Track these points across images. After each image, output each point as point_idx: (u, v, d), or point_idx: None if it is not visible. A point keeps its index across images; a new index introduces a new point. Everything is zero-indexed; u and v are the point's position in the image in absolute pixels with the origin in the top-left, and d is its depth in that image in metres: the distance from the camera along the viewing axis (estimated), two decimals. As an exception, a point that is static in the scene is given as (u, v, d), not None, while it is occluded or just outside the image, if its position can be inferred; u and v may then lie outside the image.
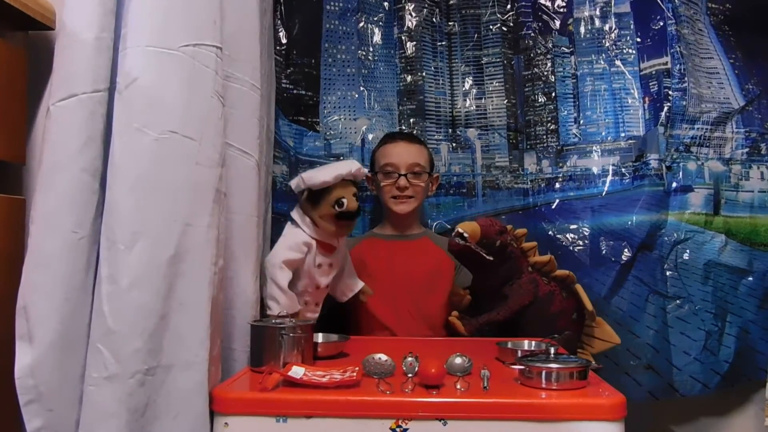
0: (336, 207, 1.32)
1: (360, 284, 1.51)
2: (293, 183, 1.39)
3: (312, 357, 1.13)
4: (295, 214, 1.39)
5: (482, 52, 1.97)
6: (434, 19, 1.97)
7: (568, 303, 1.52)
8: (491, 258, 1.48)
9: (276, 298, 1.29)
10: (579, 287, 1.52)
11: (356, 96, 1.91)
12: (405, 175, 1.64)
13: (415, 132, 1.90)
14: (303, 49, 1.88)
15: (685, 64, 1.82)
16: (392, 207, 1.66)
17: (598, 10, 1.91)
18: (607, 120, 1.88)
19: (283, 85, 1.82)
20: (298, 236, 1.36)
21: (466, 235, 1.46)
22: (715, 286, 1.75)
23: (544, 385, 0.97)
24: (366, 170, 1.45)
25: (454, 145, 1.94)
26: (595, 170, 1.86)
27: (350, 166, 1.37)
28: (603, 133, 1.88)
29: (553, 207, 1.85)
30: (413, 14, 1.95)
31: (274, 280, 1.30)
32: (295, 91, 1.86)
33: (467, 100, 1.96)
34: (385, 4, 1.95)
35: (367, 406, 0.93)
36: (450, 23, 1.98)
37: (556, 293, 1.52)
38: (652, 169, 1.79)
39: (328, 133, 1.88)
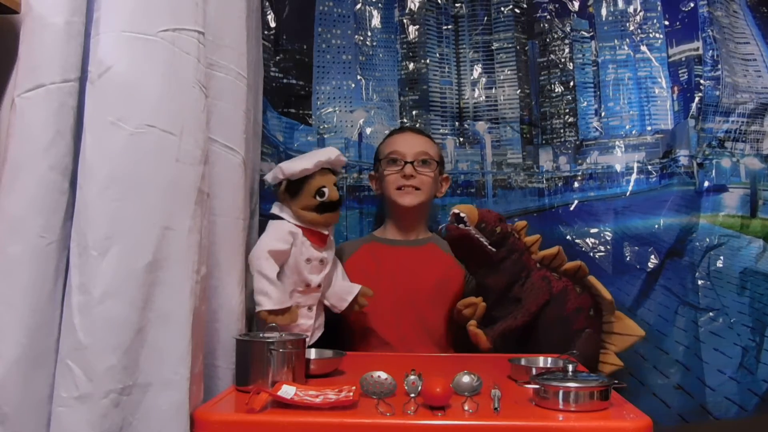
0: (317, 197, 1.38)
1: (357, 287, 1.49)
2: (269, 175, 1.43)
3: (304, 375, 1.14)
4: (275, 207, 1.43)
5: (493, 36, 1.98)
6: (439, 0, 1.99)
7: (583, 299, 1.51)
8: (494, 249, 1.47)
9: (266, 291, 1.31)
10: (593, 279, 1.52)
11: (353, 85, 1.92)
12: (412, 163, 1.65)
13: (418, 125, 1.91)
14: (294, 34, 1.89)
15: (719, 49, 1.83)
16: (396, 199, 1.67)
17: (621, -11, 1.93)
18: (631, 112, 1.89)
19: (272, 74, 1.84)
20: (282, 226, 1.39)
21: (463, 215, 1.46)
22: (753, 297, 1.75)
23: (561, 407, 0.98)
24: (345, 158, 1.52)
25: (461, 140, 1.95)
26: (618, 168, 1.87)
27: (330, 152, 1.44)
28: (627, 127, 1.89)
29: (572, 208, 1.86)
30: (416, -6, 1.96)
31: (261, 271, 1.32)
32: (285, 81, 1.87)
33: (476, 90, 1.97)
34: (385, -17, 1.97)
35: (365, 429, 0.94)
36: (457, 5, 2.00)
37: (570, 289, 1.51)
38: (681, 166, 1.80)
39: (321, 127, 1.89)
